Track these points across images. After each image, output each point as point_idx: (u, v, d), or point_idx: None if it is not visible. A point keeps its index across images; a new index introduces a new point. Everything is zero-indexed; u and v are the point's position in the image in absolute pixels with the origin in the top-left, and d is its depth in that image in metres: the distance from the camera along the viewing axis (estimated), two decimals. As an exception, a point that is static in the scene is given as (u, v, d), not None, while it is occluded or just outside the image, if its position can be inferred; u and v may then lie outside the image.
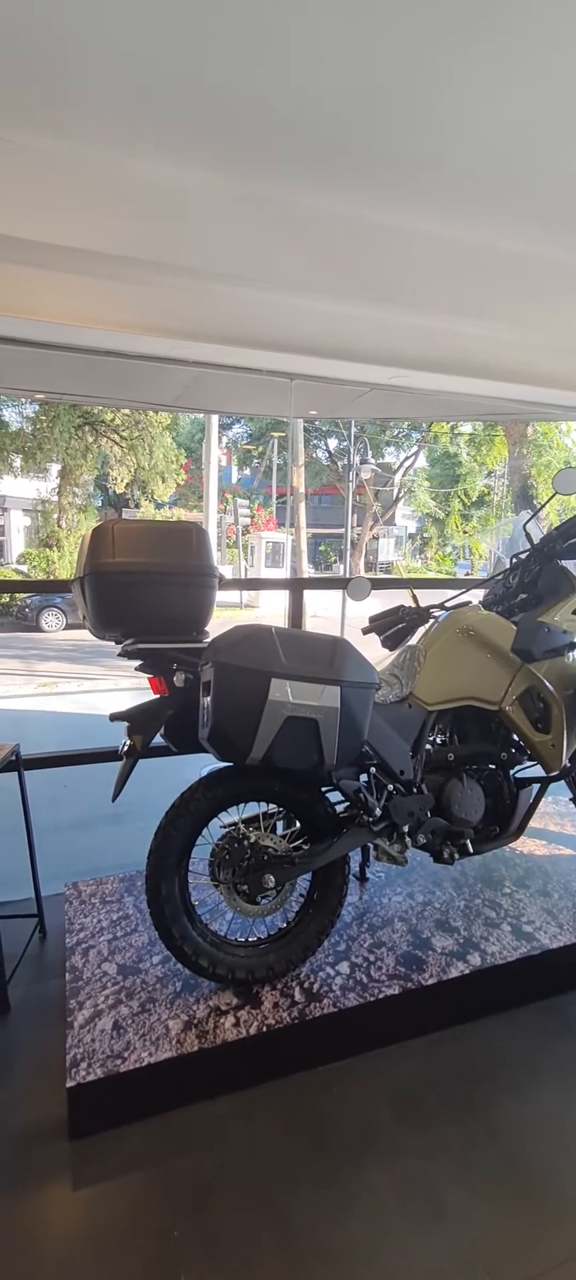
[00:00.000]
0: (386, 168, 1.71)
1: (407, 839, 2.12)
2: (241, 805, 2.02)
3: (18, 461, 15.58)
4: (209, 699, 1.72)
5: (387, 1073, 1.93)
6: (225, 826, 2.03)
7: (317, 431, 22.42)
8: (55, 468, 16.23)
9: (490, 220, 1.98)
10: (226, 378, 2.88)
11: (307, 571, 18.10)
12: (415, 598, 2.49)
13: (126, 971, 2.11)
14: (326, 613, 14.67)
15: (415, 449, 22.71)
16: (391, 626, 2.38)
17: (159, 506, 20.63)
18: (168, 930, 1.91)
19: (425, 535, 29.63)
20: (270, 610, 16.05)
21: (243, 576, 18.54)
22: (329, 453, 23.58)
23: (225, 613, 17.76)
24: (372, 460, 18.20)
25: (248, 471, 29.47)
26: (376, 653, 2.34)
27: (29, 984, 2.26)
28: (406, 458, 23.11)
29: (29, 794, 2.41)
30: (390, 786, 2.09)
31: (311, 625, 13.28)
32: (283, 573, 18.20)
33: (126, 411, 15.53)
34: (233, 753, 1.77)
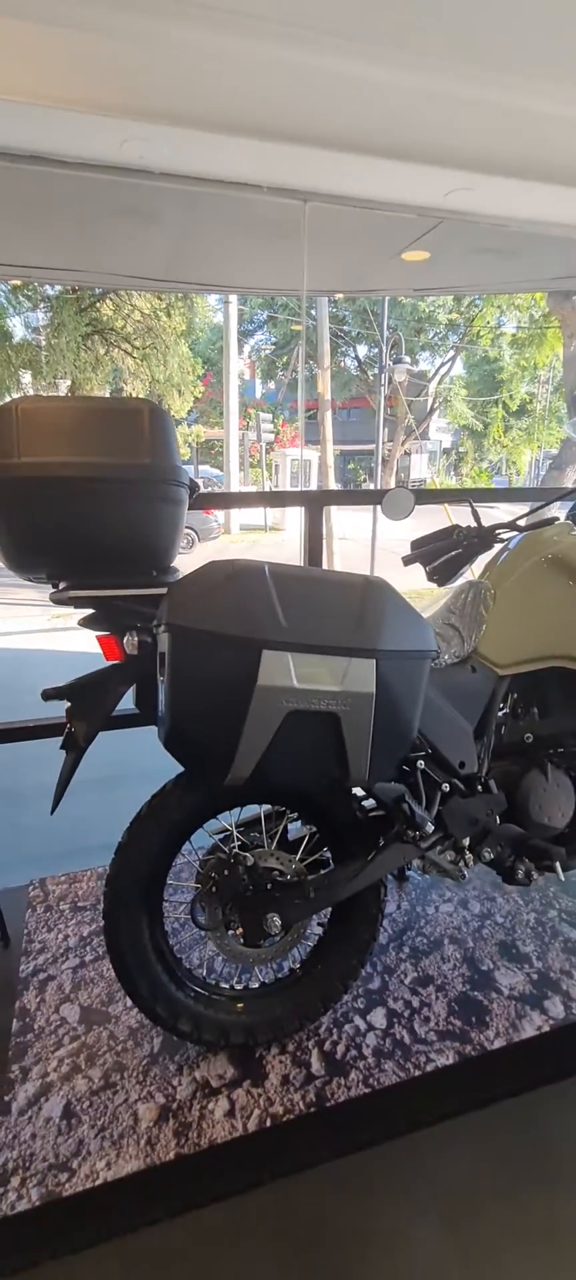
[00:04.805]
0: None
1: (468, 854, 1.54)
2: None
3: (27, 377, 14.76)
4: (164, 681, 1.12)
5: (431, 1162, 1.40)
6: (214, 835, 1.48)
7: (346, 337, 20.69)
8: (65, 384, 15.38)
9: None
10: (218, 212, 2.12)
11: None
12: (476, 514, 1.80)
13: (91, 1018, 1.61)
14: (358, 534, 13.44)
15: (451, 354, 20.84)
16: (443, 553, 1.71)
17: (177, 424, 19.73)
18: (133, 985, 1.39)
19: (460, 450, 27.83)
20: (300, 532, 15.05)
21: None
22: (358, 360, 21.69)
23: (250, 535, 16.58)
24: (408, 360, 16.32)
25: (272, 385, 27.78)
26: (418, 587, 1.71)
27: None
28: (442, 364, 21.18)
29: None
30: (445, 785, 1.49)
31: (337, 553, 12.20)
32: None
33: (138, 318, 14.49)
34: (205, 767, 1.19)
